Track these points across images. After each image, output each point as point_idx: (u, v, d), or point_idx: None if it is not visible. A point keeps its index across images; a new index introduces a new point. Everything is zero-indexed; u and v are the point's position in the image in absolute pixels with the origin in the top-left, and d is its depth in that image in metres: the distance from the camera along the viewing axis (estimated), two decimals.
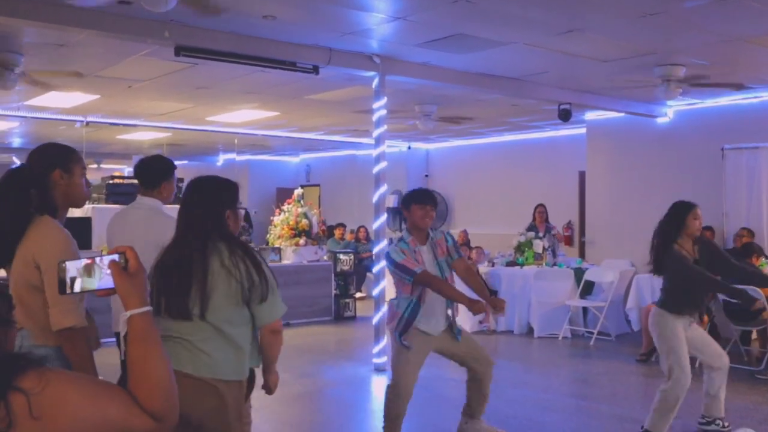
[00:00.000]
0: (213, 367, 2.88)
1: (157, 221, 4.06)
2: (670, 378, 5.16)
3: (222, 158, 19.16)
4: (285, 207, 11.74)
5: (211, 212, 2.95)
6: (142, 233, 3.95)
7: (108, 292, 1.66)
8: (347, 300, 11.59)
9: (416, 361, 4.97)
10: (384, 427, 5.07)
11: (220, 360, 2.89)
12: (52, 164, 2.88)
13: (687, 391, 5.15)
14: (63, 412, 1.38)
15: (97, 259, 1.66)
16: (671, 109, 11.07)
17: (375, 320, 7.95)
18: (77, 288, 1.66)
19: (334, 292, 11.50)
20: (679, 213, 5.27)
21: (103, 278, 1.65)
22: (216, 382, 2.88)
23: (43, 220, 2.69)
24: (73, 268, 1.65)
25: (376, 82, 7.96)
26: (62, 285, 1.66)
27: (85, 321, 2.70)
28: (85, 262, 1.66)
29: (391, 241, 12.88)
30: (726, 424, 5.54)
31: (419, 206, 4.98)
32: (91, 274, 1.65)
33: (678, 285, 5.26)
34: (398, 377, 4.97)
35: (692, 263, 5.18)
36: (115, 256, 1.65)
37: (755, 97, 10.00)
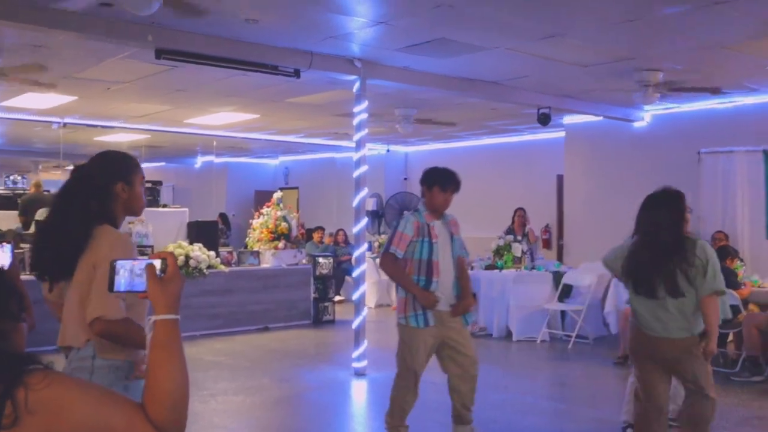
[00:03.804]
0: None
1: None
2: None
3: (200, 160, 19.07)
4: (264, 210, 11.71)
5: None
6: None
7: (146, 295, 1.68)
8: (326, 303, 11.57)
9: (424, 350, 4.93)
10: (387, 423, 5.05)
11: None
12: (115, 177, 2.80)
13: None
14: (63, 413, 1.38)
15: (142, 262, 1.70)
16: (648, 114, 11.18)
17: (355, 324, 7.94)
18: (123, 288, 1.71)
19: (313, 295, 11.48)
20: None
21: (143, 280, 1.69)
22: None
23: (103, 229, 2.64)
24: (121, 268, 1.71)
25: (357, 86, 7.97)
26: (111, 284, 1.71)
27: (121, 314, 2.57)
28: (131, 263, 1.71)
29: (370, 245, 12.96)
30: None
31: (441, 191, 5.00)
32: (137, 275, 1.70)
33: None
34: (404, 366, 4.96)
35: None
36: (157, 261, 1.67)
37: (731, 102, 10.13)
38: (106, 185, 2.74)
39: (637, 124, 11.30)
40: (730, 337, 8.44)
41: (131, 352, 2.63)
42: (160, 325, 1.62)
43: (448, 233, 5.03)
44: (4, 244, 4.08)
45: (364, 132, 8.12)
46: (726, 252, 8.26)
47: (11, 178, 16.53)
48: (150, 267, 1.66)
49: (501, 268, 10.33)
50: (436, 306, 4.89)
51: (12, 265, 3.55)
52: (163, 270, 1.67)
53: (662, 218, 4.38)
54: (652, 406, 4.50)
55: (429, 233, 4.93)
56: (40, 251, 2.71)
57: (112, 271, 1.71)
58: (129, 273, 1.71)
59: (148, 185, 11.29)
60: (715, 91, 9.47)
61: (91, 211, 2.65)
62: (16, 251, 5.50)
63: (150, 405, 1.53)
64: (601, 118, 11.10)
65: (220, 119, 12.09)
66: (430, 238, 4.92)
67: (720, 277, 4.27)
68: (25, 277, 8.66)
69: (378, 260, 4.91)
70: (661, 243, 4.32)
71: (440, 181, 5.03)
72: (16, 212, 13.02)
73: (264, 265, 11.11)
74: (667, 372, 4.47)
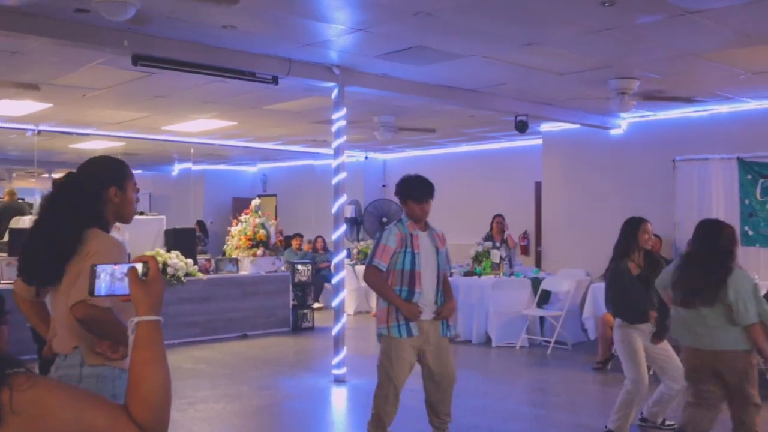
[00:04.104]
0: None
1: None
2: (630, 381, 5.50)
3: (177, 168, 18.96)
4: (242, 217, 11.66)
5: None
6: None
7: (128, 298, 1.70)
8: (305, 311, 11.53)
9: (406, 360, 4.92)
10: None
11: None
12: (108, 182, 2.77)
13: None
14: (47, 414, 1.40)
15: (123, 266, 1.73)
16: (625, 121, 11.28)
17: (334, 331, 7.92)
18: (104, 291, 1.74)
19: (291, 302, 11.44)
20: (629, 229, 5.59)
21: (124, 284, 1.72)
22: None
23: (95, 233, 2.61)
24: (102, 272, 1.75)
25: (335, 93, 7.96)
26: (92, 287, 1.75)
27: (104, 303, 2.51)
28: (113, 267, 1.75)
29: (349, 252, 12.94)
30: (669, 422, 5.91)
31: (415, 203, 5.01)
32: (119, 279, 1.74)
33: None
34: (386, 377, 4.95)
35: (626, 281, 5.47)
36: (139, 265, 1.70)
37: (705, 110, 10.24)
38: (98, 190, 2.71)
39: (613, 132, 11.40)
40: None
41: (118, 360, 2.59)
42: (143, 327, 1.65)
43: (433, 245, 5.03)
44: None
45: (343, 139, 8.11)
46: None
47: None
48: (133, 270, 1.69)
49: (480, 275, 10.36)
50: (418, 317, 4.89)
51: None
52: (145, 273, 1.70)
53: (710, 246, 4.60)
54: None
55: (412, 243, 4.92)
56: (30, 256, 2.66)
57: (93, 275, 1.74)
58: (110, 277, 1.74)
59: None
60: (690, 100, 9.58)
61: (83, 215, 2.61)
62: None
63: (133, 405, 1.55)
64: (578, 125, 11.18)
65: (198, 126, 12.02)
66: (413, 249, 4.91)
67: (751, 308, 4.43)
68: (2, 285, 8.59)
69: (362, 273, 4.90)
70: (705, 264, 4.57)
71: (413, 195, 5.05)
72: None
73: (242, 273, 11.06)
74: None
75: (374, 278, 4.96)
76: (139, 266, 1.70)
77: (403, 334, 4.89)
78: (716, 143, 10.09)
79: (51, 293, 2.65)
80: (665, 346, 5.66)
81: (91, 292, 1.74)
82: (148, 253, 9.56)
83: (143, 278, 1.69)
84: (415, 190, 5.06)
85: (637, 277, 5.46)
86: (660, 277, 5.04)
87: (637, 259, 5.54)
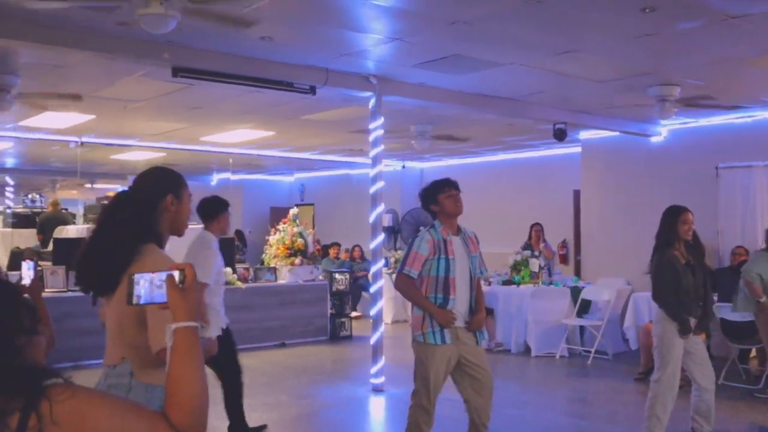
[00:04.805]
0: None
1: (197, 250, 5.35)
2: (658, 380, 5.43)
3: (216, 178, 19.14)
4: (280, 226, 11.73)
5: None
6: (184, 258, 5.06)
7: (166, 306, 1.72)
8: (343, 319, 11.55)
9: (441, 367, 4.85)
10: None
11: None
12: (165, 190, 2.72)
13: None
14: (86, 423, 1.41)
15: (162, 274, 1.75)
16: (665, 128, 11.12)
17: (372, 340, 7.91)
18: (143, 299, 1.76)
19: (329, 311, 11.46)
20: (669, 219, 5.51)
21: (163, 292, 1.73)
22: None
23: (150, 248, 2.55)
24: (141, 280, 1.76)
25: (372, 102, 7.98)
26: (130, 296, 1.76)
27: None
28: (151, 275, 1.76)
29: (387, 261, 12.94)
30: None
31: (445, 195, 4.93)
32: (157, 287, 1.75)
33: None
34: (422, 384, 4.88)
35: (674, 270, 5.37)
36: (176, 272, 1.72)
37: (749, 117, 10.06)
38: (155, 200, 2.68)
39: (654, 139, 11.24)
40: (753, 353, 8.34)
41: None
42: (180, 333, 1.67)
43: (466, 250, 4.96)
44: (28, 260, 4.10)
45: (380, 148, 8.12)
46: None
47: (29, 196, 16.68)
48: (170, 277, 1.71)
49: (518, 284, 10.28)
50: (453, 324, 4.83)
51: (33, 281, 3.53)
52: (182, 280, 1.72)
53: None
54: None
55: (446, 249, 4.85)
56: (85, 267, 2.67)
57: (131, 284, 1.76)
58: (149, 284, 1.75)
59: None
60: (733, 106, 9.42)
61: (139, 227, 2.59)
62: (37, 269, 5.55)
63: (172, 410, 1.57)
64: (617, 133, 11.05)
65: (236, 137, 12.14)
66: (447, 255, 4.83)
67: None
68: (47, 294, 8.75)
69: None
70: None
71: (439, 188, 4.97)
72: (34, 230, 13.15)
73: (280, 281, 11.11)
74: None
75: (404, 285, 4.90)
76: (176, 274, 1.72)
77: (438, 341, 4.83)
78: (760, 150, 9.90)
79: (104, 302, 2.65)
80: (701, 341, 5.54)
81: (130, 301, 1.76)
82: None
83: (180, 285, 1.71)
84: (437, 185, 5.00)
85: (685, 266, 5.38)
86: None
87: (680, 248, 5.45)
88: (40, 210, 15.48)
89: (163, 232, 2.71)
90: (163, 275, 1.73)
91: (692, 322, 5.40)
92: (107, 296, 2.61)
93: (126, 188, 2.82)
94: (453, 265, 4.84)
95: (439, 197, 4.93)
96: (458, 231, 4.96)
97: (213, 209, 5.60)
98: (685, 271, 5.36)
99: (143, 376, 2.50)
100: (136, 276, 1.76)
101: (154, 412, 1.55)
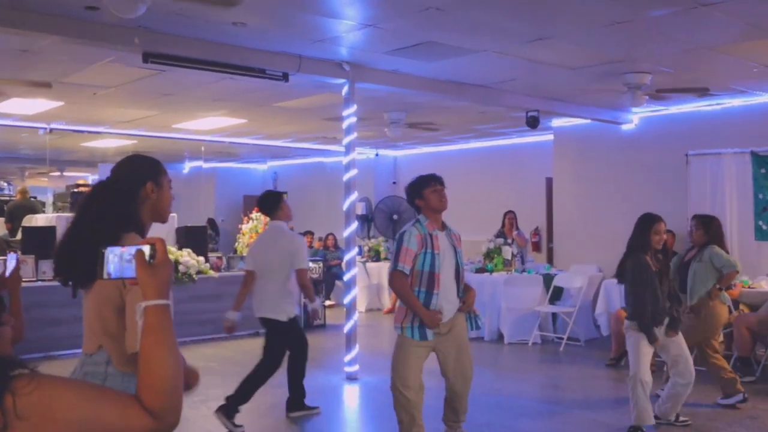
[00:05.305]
0: None
1: (280, 236, 6.19)
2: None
3: (188, 166, 18.98)
4: (253, 215, 11.66)
5: None
6: (271, 247, 6.16)
7: (136, 282, 1.64)
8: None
9: (413, 361, 4.86)
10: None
11: None
12: (144, 177, 2.68)
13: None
14: (53, 414, 1.35)
15: (131, 248, 1.66)
16: (636, 116, 11.20)
17: (346, 328, 7.91)
18: (113, 274, 1.68)
19: (302, 300, 11.41)
20: (643, 226, 5.69)
21: (132, 266, 1.65)
22: None
23: (131, 238, 2.51)
24: (111, 255, 1.68)
25: (345, 89, 7.94)
26: (101, 270, 1.68)
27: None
28: (120, 249, 1.68)
29: (360, 249, 12.92)
30: (683, 418, 5.95)
31: (431, 189, 4.96)
32: (127, 261, 1.67)
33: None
34: (393, 373, 4.89)
35: (650, 275, 5.53)
36: (146, 247, 1.64)
37: (718, 104, 10.16)
38: (134, 188, 2.64)
39: (625, 127, 11.32)
40: (721, 338, 8.45)
41: None
42: (150, 311, 1.60)
43: (451, 245, 4.98)
44: (11, 252, 4.00)
45: (354, 136, 8.09)
46: None
47: None
48: (139, 253, 1.63)
49: (491, 271, 10.33)
50: (438, 326, 4.83)
51: (13, 272, 3.47)
52: (152, 256, 1.64)
53: None
54: None
55: (432, 244, 4.86)
56: (65, 258, 2.62)
57: (102, 259, 1.67)
58: (119, 259, 1.67)
59: None
60: (703, 93, 9.50)
61: (120, 216, 2.55)
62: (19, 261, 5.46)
63: (144, 392, 1.50)
64: (589, 120, 11.12)
65: (208, 124, 12.03)
66: (433, 250, 4.85)
67: None
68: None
69: (387, 277, 4.84)
70: None
71: (424, 184, 5.01)
72: (2, 219, 12.95)
73: None
74: None
75: (400, 284, 4.86)
76: (146, 248, 1.64)
77: (415, 336, 4.85)
78: (729, 137, 10.00)
79: (83, 293, 2.61)
80: (680, 339, 5.67)
81: (101, 275, 1.68)
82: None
83: (150, 261, 1.63)
84: (423, 180, 5.04)
85: (655, 273, 5.54)
86: None
87: (650, 255, 5.62)
88: (8, 198, 15.25)
89: (145, 221, 2.67)
90: (133, 249, 1.65)
91: (661, 329, 5.60)
92: (86, 287, 2.57)
93: (103, 178, 2.77)
94: (438, 260, 4.85)
95: (424, 192, 4.96)
96: (443, 227, 4.98)
97: (273, 201, 6.32)
98: (654, 278, 5.55)
99: (120, 365, 2.47)
100: (107, 249, 1.68)
101: (126, 395, 1.49)
